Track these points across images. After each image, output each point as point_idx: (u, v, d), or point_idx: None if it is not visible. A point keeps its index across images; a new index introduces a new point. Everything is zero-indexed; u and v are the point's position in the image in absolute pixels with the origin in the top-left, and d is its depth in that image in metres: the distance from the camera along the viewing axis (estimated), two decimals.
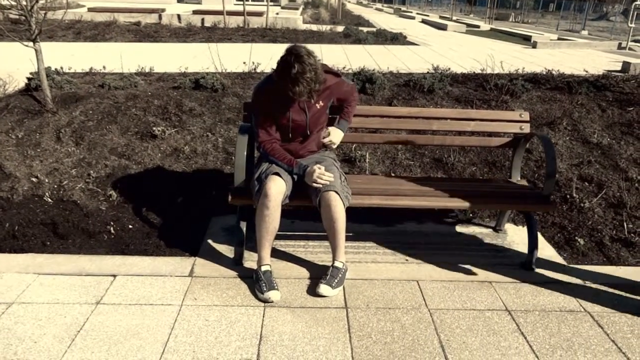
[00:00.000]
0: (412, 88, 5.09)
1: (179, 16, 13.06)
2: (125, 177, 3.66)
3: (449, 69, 6.12)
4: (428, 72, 5.63)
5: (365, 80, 4.95)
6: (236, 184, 2.66)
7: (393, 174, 3.86)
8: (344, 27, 13.15)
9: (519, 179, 3.18)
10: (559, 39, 13.42)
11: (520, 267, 2.87)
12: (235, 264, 2.77)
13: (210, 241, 3.03)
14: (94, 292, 2.47)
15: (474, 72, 6.10)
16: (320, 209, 2.55)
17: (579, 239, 3.19)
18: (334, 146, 2.86)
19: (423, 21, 21.15)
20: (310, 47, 2.51)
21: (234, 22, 12.70)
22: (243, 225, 2.76)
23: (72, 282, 2.54)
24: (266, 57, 7.10)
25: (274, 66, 2.48)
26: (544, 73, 5.98)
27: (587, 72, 6.44)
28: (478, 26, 18.85)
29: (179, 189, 3.59)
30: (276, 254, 2.86)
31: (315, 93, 2.50)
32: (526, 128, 3.06)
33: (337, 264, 2.60)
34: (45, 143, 3.91)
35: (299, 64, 2.34)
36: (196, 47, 8.98)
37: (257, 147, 2.71)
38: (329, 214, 2.51)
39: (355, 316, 2.36)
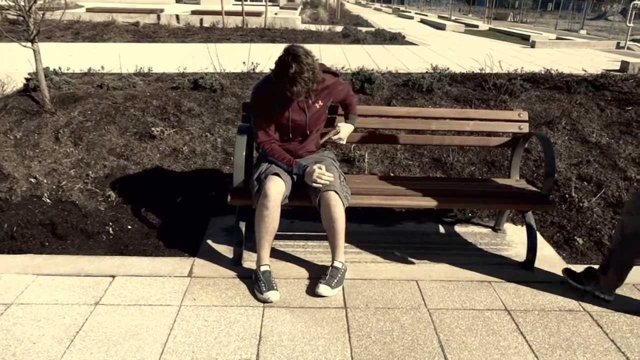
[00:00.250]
0: (411, 88, 5.09)
1: (177, 16, 13.05)
2: (124, 178, 3.65)
3: (448, 68, 6.12)
4: (427, 72, 5.64)
5: (364, 80, 4.95)
6: (235, 184, 2.66)
7: (392, 174, 3.86)
8: (342, 27, 13.16)
9: (518, 178, 3.18)
10: (557, 38, 13.44)
11: (520, 266, 2.87)
12: (234, 264, 2.77)
13: (209, 241, 3.02)
14: (92, 292, 2.46)
15: (473, 72, 6.10)
16: (319, 209, 2.55)
17: (578, 239, 3.19)
18: (343, 142, 2.83)
19: (422, 21, 21.16)
20: (309, 47, 2.51)
21: (233, 22, 12.70)
22: (242, 226, 2.76)
23: (70, 282, 2.54)
24: (265, 57, 7.09)
25: (273, 66, 2.48)
26: (543, 72, 5.99)
27: (585, 71, 6.45)
28: (477, 26, 18.88)
29: (177, 189, 3.59)
30: (275, 254, 2.85)
31: (314, 93, 2.49)
32: (525, 128, 3.06)
33: (336, 264, 2.60)
34: (43, 143, 3.91)
35: (296, 63, 2.34)
36: (195, 47, 8.97)
37: (256, 147, 2.70)
38: (328, 214, 2.51)
39: (354, 316, 2.36)
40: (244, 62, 6.24)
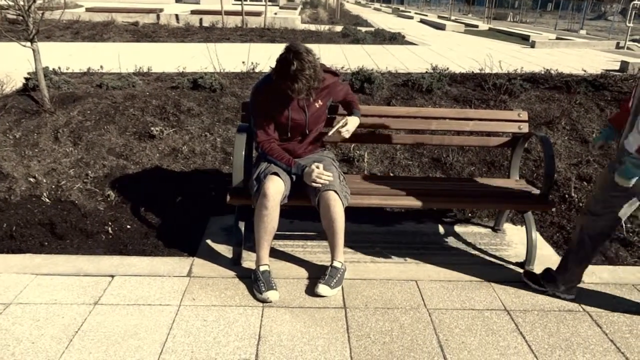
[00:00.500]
0: (411, 88, 5.09)
1: (177, 16, 13.05)
2: (124, 177, 3.65)
3: (448, 68, 6.12)
4: (426, 72, 5.63)
5: (364, 80, 4.95)
6: (234, 184, 2.66)
7: (392, 174, 3.86)
8: (342, 26, 13.16)
9: (518, 178, 3.18)
10: (557, 38, 13.44)
11: (519, 266, 2.87)
12: (233, 264, 2.76)
13: (208, 241, 3.02)
14: (92, 292, 2.46)
15: (473, 72, 6.10)
16: (319, 208, 2.54)
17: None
18: (348, 135, 2.67)
19: (421, 21, 21.16)
20: (309, 46, 2.50)
21: (232, 22, 12.69)
22: (241, 225, 2.76)
23: (70, 282, 2.54)
24: (264, 56, 7.09)
25: (273, 66, 2.48)
26: (543, 72, 5.99)
27: (585, 71, 6.45)
28: (476, 26, 18.88)
29: (177, 189, 3.59)
30: (275, 253, 2.85)
31: (314, 91, 2.49)
32: (525, 127, 3.06)
33: (335, 263, 2.59)
34: (43, 143, 3.90)
35: (298, 61, 2.34)
36: (194, 47, 8.97)
37: (256, 146, 2.70)
38: (327, 214, 2.51)
39: (353, 316, 2.36)
40: (243, 62, 6.23)
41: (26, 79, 4.84)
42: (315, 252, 2.93)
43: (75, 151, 3.85)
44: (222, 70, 5.81)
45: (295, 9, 18.10)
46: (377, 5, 39.54)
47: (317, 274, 2.64)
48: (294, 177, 2.63)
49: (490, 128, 3.09)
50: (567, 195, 3.61)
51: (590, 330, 2.33)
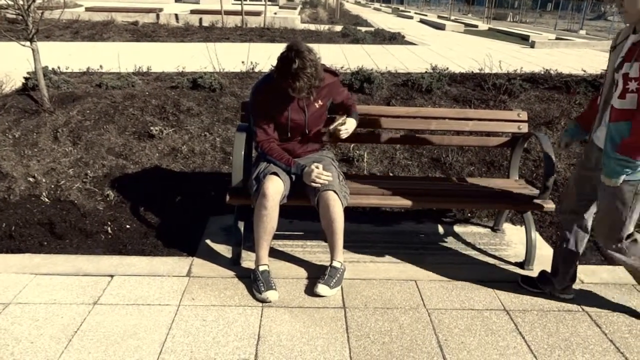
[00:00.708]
0: (411, 88, 5.09)
1: (176, 16, 13.04)
2: (123, 177, 3.65)
3: (447, 68, 6.12)
4: (426, 72, 5.63)
5: (364, 80, 4.95)
6: (234, 184, 2.66)
7: (391, 174, 3.86)
8: (342, 26, 13.16)
9: (517, 178, 3.18)
10: (557, 38, 13.44)
11: (519, 266, 2.87)
12: (233, 263, 2.76)
13: (208, 241, 3.02)
14: (91, 292, 2.46)
15: (472, 72, 6.10)
16: (318, 208, 2.54)
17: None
18: (345, 135, 2.66)
19: (421, 21, 21.16)
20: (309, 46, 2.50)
21: (232, 21, 12.69)
22: (241, 225, 2.76)
23: (69, 282, 2.54)
24: (264, 56, 7.09)
25: (272, 66, 2.47)
26: (542, 73, 5.99)
27: (585, 71, 6.45)
28: (476, 26, 18.88)
29: (176, 188, 3.59)
30: (274, 253, 2.85)
31: (315, 89, 2.49)
32: (524, 127, 3.06)
33: (335, 263, 2.59)
34: (42, 143, 3.90)
35: (299, 59, 2.34)
36: (194, 46, 8.96)
37: (255, 146, 2.70)
38: (327, 214, 2.51)
39: (353, 316, 2.36)
40: (242, 62, 6.23)
41: (25, 78, 4.83)
42: (314, 252, 2.93)
43: (74, 151, 3.85)
44: (221, 70, 5.81)
45: (295, 8, 18.10)
46: (376, 5, 39.54)
47: (316, 274, 2.64)
48: (293, 177, 2.63)
49: (490, 128, 3.09)
50: None
51: (589, 330, 2.33)
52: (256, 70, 5.91)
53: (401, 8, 34.25)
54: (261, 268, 2.55)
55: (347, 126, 2.66)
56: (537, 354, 2.15)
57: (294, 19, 13.42)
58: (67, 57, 7.28)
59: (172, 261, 2.78)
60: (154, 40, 9.79)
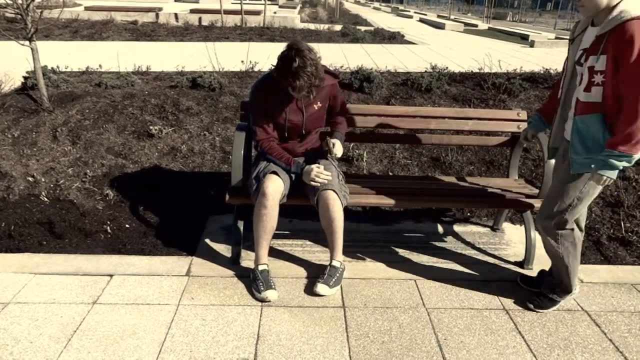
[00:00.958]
0: (410, 87, 5.09)
1: (176, 15, 13.03)
2: (122, 177, 3.65)
3: (447, 68, 6.12)
4: (426, 71, 5.63)
5: (363, 79, 4.95)
6: (233, 183, 2.65)
7: (391, 173, 3.86)
8: (341, 26, 13.16)
9: (517, 177, 3.18)
10: (556, 38, 13.43)
11: (518, 266, 2.87)
12: (232, 263, 2.76)
13: (207, 240, 3.02)
14: (90, 291, 2.46)
15: (472, 71, 6.10)
16: (318, 208, 2.54)
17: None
18: (338, 155, 2.67)
19: (421, 20, 21.16)
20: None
21: (232, 21, 12.68)
22: (240, 225, 2.76)
23: (68, 281, 2.53)
24: (264, 55, 7.09)
25: (272, 65, 2.47)
26: (542, 72, 5.99)
27: None
28: (476, 25, 18.88)
29: (176, 188, 3.58)
30: (274, 253, 2.85)
31: (315, 89, 2.49)
32: (524, 127, 3.05)
33: (334, 263, 2.59)
34: (41, 142, 3.90)
35: (300, 58, 2.34)
36: (193, 46, 8.96)
37: (255, 145, 2.70)
38: (326, 213, 2.51)
39: (352, 315, 2.36)
40: (242, 61, 6.23)
41: (25, 77, 4.83)
42: (314, 251, 2.93)
43: (73, 150, 3.85)
44: (221, 69, 5.81)
45: (295, 7, 18.09)
46: (376, 4, 39.54)
47: (316, 273, 2.63)
48: (293, 176, 2.63)
49: (490, 127, 3.09)
50: None
51: (588, 329, 2.33)
52: (255, 69, 5.91)
53: (401, 7, 34.25)
54: (261, 267, 2.55)
55: (337, 151, 2.62)
56: (537, 353, 2.15)
57: (293, 18, 13.42)
58: (67, 56, 7.27)
59: (171, 261, 2.78)
60: (154, 40, 9.78)
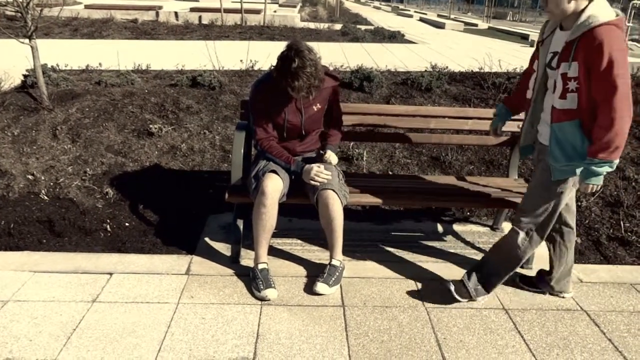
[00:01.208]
0: (410, 86, 5.09)
1: (176, 13, 13.02)
2: (122, 175, 3.65)
3: (447, 67, 6.11)
4: (426, 71, 5.63)
5: (363, 79, 4.94)
6: (233, 182, 2.66)
7: (391, 172, 3.86)
8: (341, 25, 13.15)
9: (517, 177, 3.18)
10: None
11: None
12: (232, 262, 2.76)
13: (207, 239, 3.02)
14: (90, 290, 2.46)
15: (472, 71, 6.09)
16: (317, 207, 2.54)
17: (576, 238, 3.19)
18: (333, 163, 2.69)
19: (421, 19, 21.15)
20: (309, 45, 2.50)
21: (232, 19, 12.67)
22: (240, 223, 2.75)
23: (68, 280, 2.53)
24: (264, 54, 7.08)
25: (272, 64, 2.47)
26: None
27: None
28: (476, 25, 18.88)
29: (175, 186, 3.58)
30: (273, 252, 2.85)
31: (315, 89, 2.48)
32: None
33: (334, 262, 2.59)
34: (41, 140, 3.89)
35: (299, 58, 2.34)
36: (193, 44, 8.95)
37: (255, 144, 2.70)
38: (326, 213, 2.51)
39: (352, 314, 2.36)
40: (242, 60, 6.22)
41: (24, 76, 4.82)
42: (313, 250, 2.93)
43: (73, 148, 3.85)
44: (221, 68, 5.80)
45: (295, 6, 18.08)
46: (376, 3, 39.53)
47: (315, 272, 2.64)
48: (292, 175, 2.63)
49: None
50: None
51: (588, 329, 2.34)
52: (255, 68, 5.90)
53: (401, 7, 34.23)
54: (260, 266, 2.55)
55: (332, 160, 2.68)
56: (536, 353, 2.15)
57: (293, 17, 13.41)
58: (66, 54, 7.26)
59: (171, 259, 2.78)
60: (154, 38, 9.78)
